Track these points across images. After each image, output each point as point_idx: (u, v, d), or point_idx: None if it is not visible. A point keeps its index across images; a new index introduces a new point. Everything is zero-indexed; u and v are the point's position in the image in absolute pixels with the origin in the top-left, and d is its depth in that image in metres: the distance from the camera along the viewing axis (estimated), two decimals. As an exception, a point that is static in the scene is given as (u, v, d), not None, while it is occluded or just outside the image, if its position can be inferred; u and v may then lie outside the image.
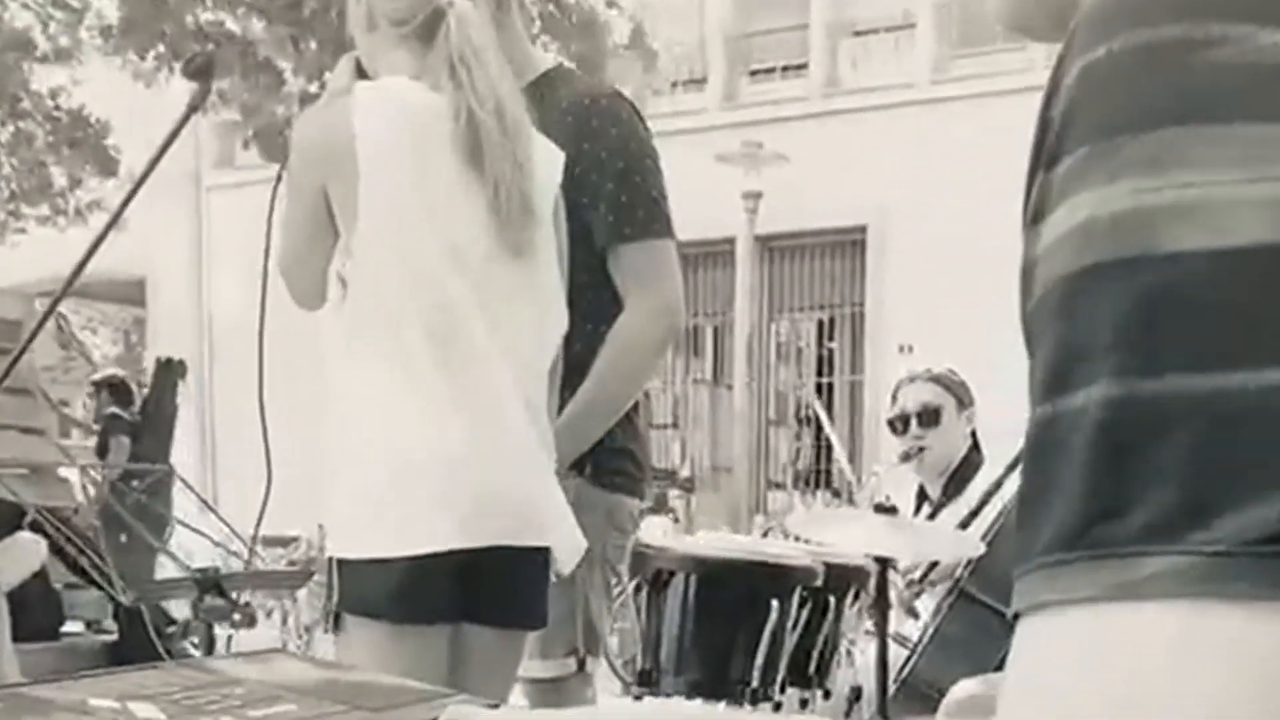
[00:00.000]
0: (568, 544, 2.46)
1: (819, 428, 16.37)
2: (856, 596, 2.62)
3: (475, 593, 2.35)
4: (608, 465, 3.05)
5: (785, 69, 15.77)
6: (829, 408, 16.32)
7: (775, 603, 2.26)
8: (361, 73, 2.61)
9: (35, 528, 6.03)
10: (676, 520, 11.83)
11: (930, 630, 3.19)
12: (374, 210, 2.30)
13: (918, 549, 2.84)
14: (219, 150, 16.95)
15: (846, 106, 14.99)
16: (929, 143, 13.94)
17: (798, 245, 15.56)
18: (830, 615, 2.53)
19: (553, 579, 2.55)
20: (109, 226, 3.00)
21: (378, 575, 2.31)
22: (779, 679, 2.33)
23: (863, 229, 14.95)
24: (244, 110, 10.13)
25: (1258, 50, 0.50)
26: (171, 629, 6.24)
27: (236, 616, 3.10)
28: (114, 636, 6.13)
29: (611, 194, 2.86)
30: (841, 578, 2.54)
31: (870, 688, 2.99)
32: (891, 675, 3.00)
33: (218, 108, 10.02)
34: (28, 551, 5.44)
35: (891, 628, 2.97)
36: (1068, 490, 0.49)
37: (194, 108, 2.90)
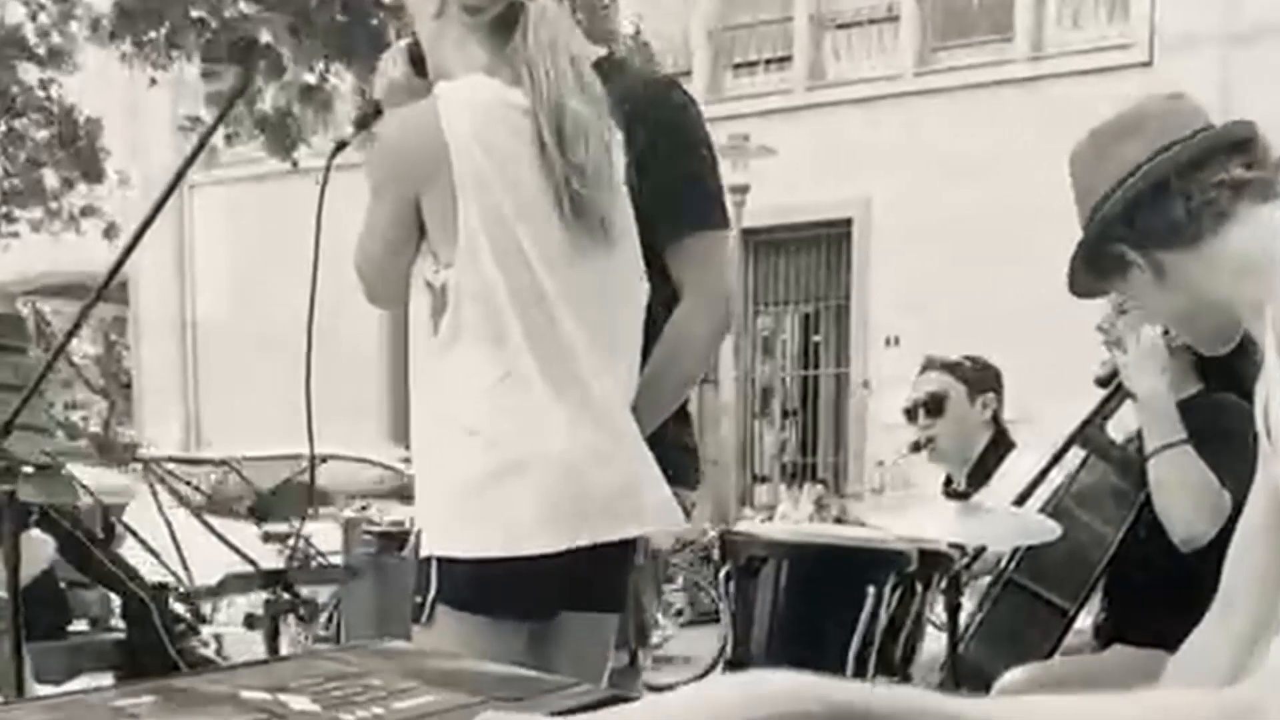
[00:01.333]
0: (667, 525, 2.46)
1: (804, 421, 16.39)
2: (937, 584, 2.61)
3: (572, 583, 2.35)
4: (663, 457, 3.04)
5: (769, 62, 15.76)
6: (814, 400, 16.35)
7: (871, 589, 2.24)
8: (414, 62, 2.58)
9: (43, 526, 5.98)
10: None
11: (978, 619, 3.19)
12: (471, 218, 2.28)
13: (995, 534, 2.83)
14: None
15: (831, 99, 15.01)
16: (914, 134, 13.96)
17: (783, 239, 15.56)
18: (917, 602, 2.52)
19: (639, 561, 2.54)
20: (145, 227, 2.89)
21: (477, 572, 2.31)
22: (870, 666, 2.32)
23: (848, 222, 14.96)
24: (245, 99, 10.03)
25: None
26: (180, 628, 6.21)
27: (302, 611, 3.10)
28: (122, 635, 6.09)
29: (671, 183, 2.84)
30: (931, 563, 2.52)
31: (938, 678, 2.99)
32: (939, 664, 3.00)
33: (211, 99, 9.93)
34: (36, 549, 5.40)
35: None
36: None
37: (239, 92, 2.86)
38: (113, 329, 19.07)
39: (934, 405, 3.84)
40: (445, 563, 2.38)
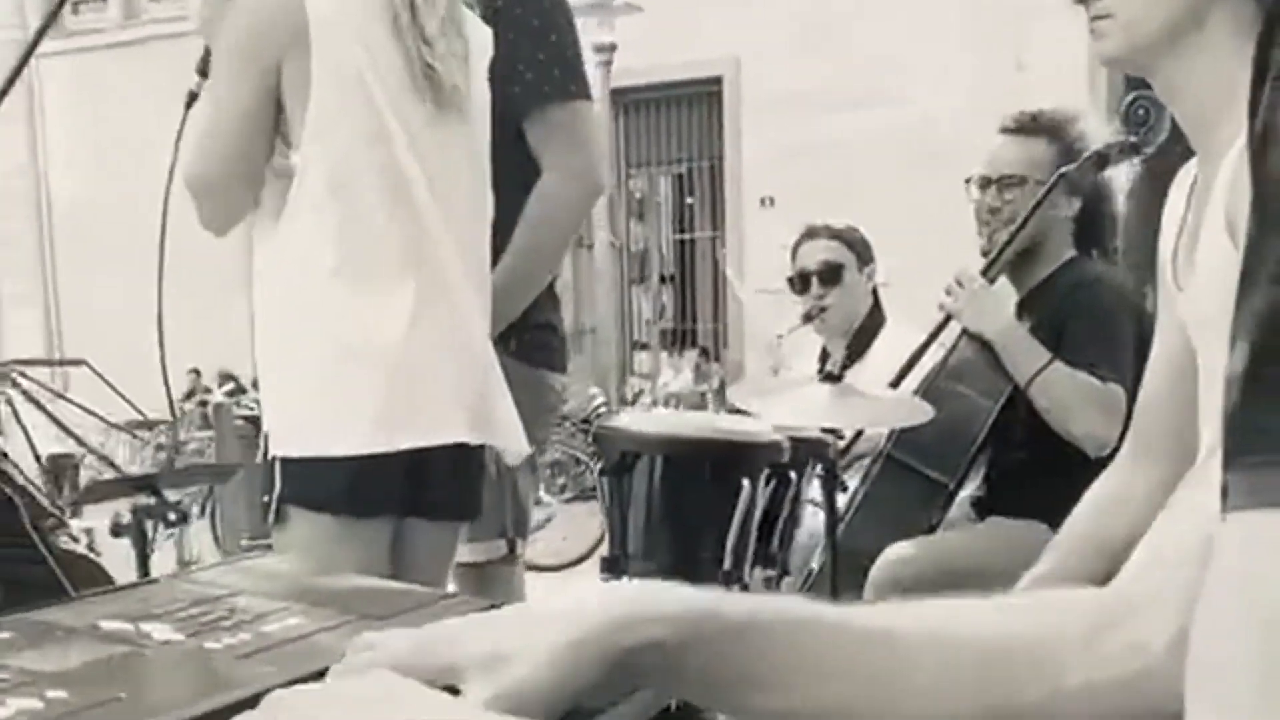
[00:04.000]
0: (515, 443, 2.41)
1: (682, 286, 16.38)
2: (813, 470, 2.56)
3: (420, 486, 2.29)
4: (532, 340, 2.96)
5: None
6: (690, 264, 16.32)
7: (745, 481, 2.19)
8: None
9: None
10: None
11: (859, 496, 3.16)
12: (327, 90, 2.19)
13: (870, 418, 2.79)
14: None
15: (696, -45, 14.76)
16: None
17: (652, 98, 15.38)
18: (792, 491, 2.48)
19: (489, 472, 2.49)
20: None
21: (325, 470, 2.23)
22: (748, 558, 2.27)
23: (718, 80, 14.81)
24: None
25: None
26: (49, 521, 6.04)
27: (171, 516, 2.98)
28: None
29: (527, 54, 2.74)
30: (804, 452, 2.47)
31: (818, 564, 2.97)
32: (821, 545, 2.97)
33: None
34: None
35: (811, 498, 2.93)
36: None
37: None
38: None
39: (829, 274, 3.75)
40: (288, 461, 2.30)
